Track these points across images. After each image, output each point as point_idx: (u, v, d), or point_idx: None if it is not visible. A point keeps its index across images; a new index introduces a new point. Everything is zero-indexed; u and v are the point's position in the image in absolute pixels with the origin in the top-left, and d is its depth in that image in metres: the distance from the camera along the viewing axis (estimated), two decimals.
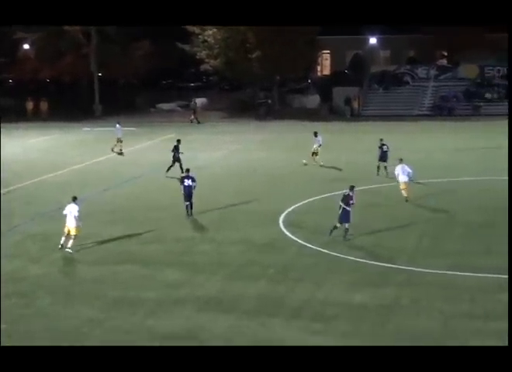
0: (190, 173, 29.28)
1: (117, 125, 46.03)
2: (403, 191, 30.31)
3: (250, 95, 70.02)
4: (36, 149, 47.44)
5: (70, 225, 24.23)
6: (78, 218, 24.25)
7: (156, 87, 78.36)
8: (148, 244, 25.30)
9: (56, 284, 21.51)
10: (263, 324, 18.26)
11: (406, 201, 29.83)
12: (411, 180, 30.98)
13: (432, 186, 33.46)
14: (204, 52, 64.36)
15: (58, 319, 18.90)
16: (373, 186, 33.54)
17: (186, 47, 65.11)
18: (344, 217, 24.66)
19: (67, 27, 64.63)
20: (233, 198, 31.58)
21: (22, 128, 58.77)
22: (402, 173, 30.55)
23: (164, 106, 71.41)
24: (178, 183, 35.65)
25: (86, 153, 45.11)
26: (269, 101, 68.02)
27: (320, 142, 39.60)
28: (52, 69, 68.21)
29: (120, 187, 35.03)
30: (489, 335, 17.21)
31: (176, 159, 37.58)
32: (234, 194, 32.74)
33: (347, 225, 24.70)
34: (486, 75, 67.19)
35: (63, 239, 24.29)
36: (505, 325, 17.21)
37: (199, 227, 27.62)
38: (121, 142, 45.31)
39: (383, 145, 36.62)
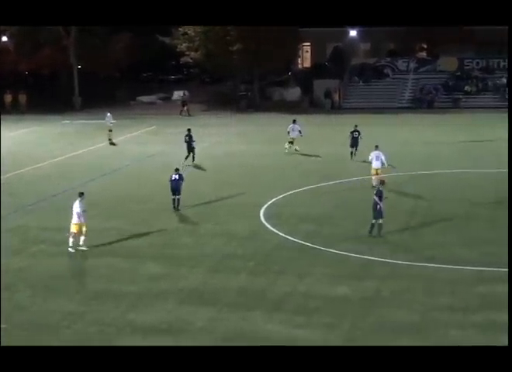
0: (180, 172, 29.21)
1: (108, 114, 47.10)
2: (372, 178, 30.62)
3: (231, 88, 69.89)
4: (15, 142, 47.10)
5: (75, 222, 23.76)
6: (82, 215, 23.81)
7: (136, 79, 78.06)
8: (128, 237, 25.21)
9: (36, 278, 21.39)
10: (244, 317, 18.27)
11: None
12: (385, 166, 31.57)
13: (412, 178, 33.59)
14: (184, 44, 64.14)
15: (39, 313, 18.81)
16: (353, 179, 33.62)
17: (166, 40, 64.97)
18: (378, 213, 24.41)
19: None
20: (214, 191, 31.54)
21: (1, 121, 58.28)
22: (375, 159, 31.17)
23: (145, 99, 71.09)
24: (159, 175, 35.64)
25: (66, 146, 44.87)
26: (249, 94, 67.95)
27: (299, 129, 40.57)
28: (31, 61, 67.60)
29: (100, 180, 34.88)
30: (469, 327, 17.34)
31: (191, 149, 37.91)
32: (216, 186, 32.70)
33: (381, 220, 24.42)
34: (465, 68, 67.44)
35: (71, 240, 23.79)
36: (484, 317, 17.36)
37: (181, 220, 27.57)
38: (111, 131, 46.11)
39: (355, 131, 38.36)
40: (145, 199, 30.49)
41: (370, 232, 24.47)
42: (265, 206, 28.75)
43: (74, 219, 23.78)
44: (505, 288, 19.44)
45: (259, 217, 27.31)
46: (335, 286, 20.19)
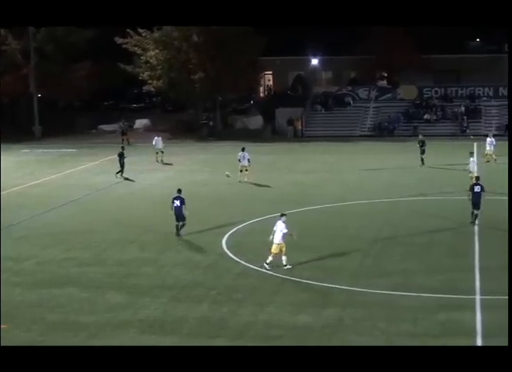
0: (181, 194, 28.99)
1: (156, 138, 49.87)
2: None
3: (193, 116, 69.93)
4: None
5: (278, 242, 23.77)
6: (285, 235, 23.83)
7: (98, 108, 77.71)
8: (88, 267, 24.91)
9: None
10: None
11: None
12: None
13: (374, 206, 33.72)
14: (147, 73, 64.13)
15: None
16: (316, 207, 33.68)
17: (128, 68, 64.77)
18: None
19: (4, 46, 63.88)
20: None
21: None
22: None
23: (106, 127, 70.77)
24: (120, 204, 35.42)
25: (26, 175, 44.41)
26: (211, 123, 68.03)
27: (248, 158, 40.42)
28: None
29: (61, 210, 34.50)
30: None
31: (122, 164, 42.51)
32: None
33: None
34: (425, 96, 68.38)
35: (270, 258, 23.87)
36: (444, 344, 17.36)
37: (141, 249, 27.30)
38: (162, 152, 48.85)
39: None
40: (105, 229, 30.20)
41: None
42: (227, 235, 28.63)
43: (277, 239, 23.76)
44: (465, 315, 19.58)
45: (221, 245, 27.18)
46: (297, 314, 20.09)
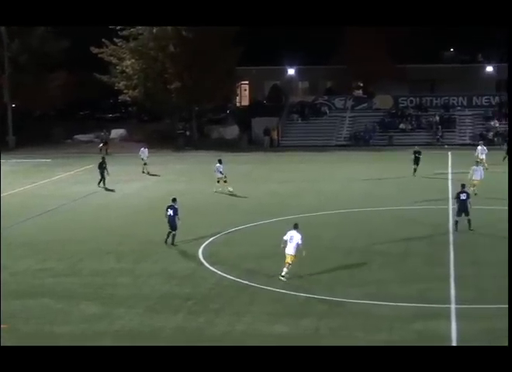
0: (175, 204, 28.98)
1: (142, 149, 49.22)
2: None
3: (169, 126, 69.84)
4: None
5: (293, 252, 23.49)
6: (299, 247, 23.46)
7: (73, 118, 77.28)
8: (64, 277, 24.75)
9: None
10: None
11: None
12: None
13: (350, 216, 33.81)
14: (122, 83, 63.99)
15: None
16: (291, 217, 33.66)
17: (104, 78, 64.59)
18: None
19: None
20: (152, 230, 31.25)
21: None
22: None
23: (82, 137, 70.41)
24: (97, 214, 35.25)
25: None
26: (187, 132, 67.95)
27: (221, 170, 40.13)
28: None
29: (36, 220, 34.28)
30: None
31: (103, 174, 42.35)
32: (154, 225, 32.37)
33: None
34: (400, 106, 68.82)
35: (285, 269, 23.54)
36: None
37: (118, 259, 27.16)
38: (145, 164, 48.23)
39: None
40: (81, 239, 30.03)
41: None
42: (204, 245, 28.58)
43: (292, 250, 23.47)
44: (440, 324, 19.67)
45: (197, 256, 27.12)
46: (273, 324, 20.08)
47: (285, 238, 23.86)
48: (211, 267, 25.59)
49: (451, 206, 34.19)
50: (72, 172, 50.13)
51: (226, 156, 47.75)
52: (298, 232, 23.84)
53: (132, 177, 47.13)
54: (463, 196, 29.82)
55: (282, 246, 23.89)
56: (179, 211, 28.83)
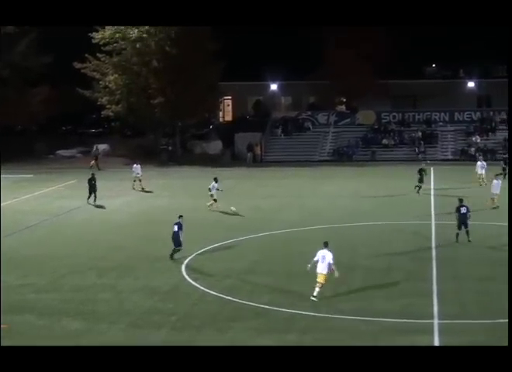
0: (181, 220, 29.01)
1: (134, 165, 48.29)
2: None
3: (152, 141, 69.76)
4: None
5: (325, 272, 22.98)
6: (330, 265, 22.98)
7: (55, 133, 77.03)
8: (45, 293, 24.58)
9: None
10: None
11: None
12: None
13: (333, 231, 33.80)
14: (105, 98, 63.92)
15: None
16: (275, 232, 33.70)
17: (87, 93, 64.49)
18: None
19: None
20: (135, 245, 31.18)
21: None
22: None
23: (64, 153, 70.18)
24: (79, 230, 35.07)
25: None
26: (170, 148, 67.89)
27: (216, 188, 39.34)
28: None
29: (18, 236, 34.05)
30: None
31: (94, 190, 42.13)
32: (137, 240, 32.35)
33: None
34: (383, 121, 69.10)
35: (317, 290, 23.02)
36: None
37: (100, 275, 27.00)
38: (140, 180, 47.68)
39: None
40: (63, 255, 29.86)
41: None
42: (187, 260, 28.48)
43: (324, 269, 22.93)
44: (423, 340, 19.65)
45: (180, 271, 27.02)
46: (256, 340, 19.98)
47: (315, 259, 23.28)
48: (194, 283, 25.50)
49: (434, 221, 34.37)
50: (54, 187, 49.89)
51: (209, 172, 47.75)
52: (329, 250, 23.38)
53: (115, 192, 46.96)
54: (463, 210, 30.52)
55: (309, 266, 23.42)
56: (183, 227, 28.82)
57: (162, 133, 70.06)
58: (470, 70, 74.28)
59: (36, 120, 69.92)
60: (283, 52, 66.57)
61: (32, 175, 54.53)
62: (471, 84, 72.43)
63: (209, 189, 39.84)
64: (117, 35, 62.39)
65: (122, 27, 61.81)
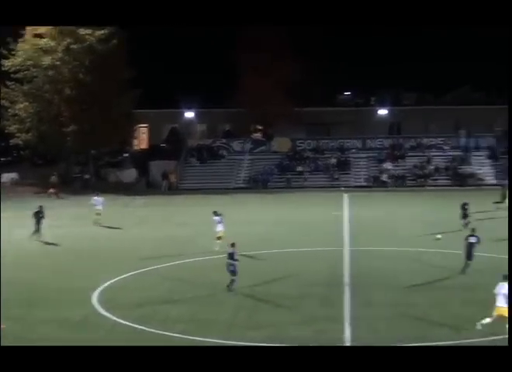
0: (234, 249, 27.81)
1: (95, 197, 44.97)
2: None
3: (65, 170, 68.63)
4: None
5: (505, 305, 20.76)
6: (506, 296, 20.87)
7: None
8: None
9: None
10: None
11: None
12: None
13: (248, 258, 33.71)
14: (14, 126, 62.63)
15: None
16: (190, 260, 33.46)
17: None
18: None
19: None
20: (45, 276, 30.41)
21: None
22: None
23: None
24: None
25: None
26: (85, 176, 66.89)
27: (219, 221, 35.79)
28: None
29: None
30: None
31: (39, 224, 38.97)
32: (47, 271, 31.57)
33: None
34: (298, 148, 69.81)
35: (488, 320, 21.28)
36: None
37: (7, 307, 26.16)
38: (99, 215, 44.04)
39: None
40: None
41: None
42: (98, 290, 27.91)
43: (504, 303, 20.79)
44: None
45: (91, 302, 26.45)
46: None
47: (495, 291, 21.47)
48: (106, 313, 24.98)
49: (348, 248, 34.70)
50: None
51: (123, 200, 47.20)
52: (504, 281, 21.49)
53: (24, 221, 45.77)
54: (472, 239, 29.11)
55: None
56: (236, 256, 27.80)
57: (75, 161, 69.03)
58: (382, 98, 75.97)
59: None
60: (199, 79, 66.74)
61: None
62: (382, 112, 73.97)
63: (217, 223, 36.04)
64: (28, 62, 61.45)
65: (36, 54, 60.94)
